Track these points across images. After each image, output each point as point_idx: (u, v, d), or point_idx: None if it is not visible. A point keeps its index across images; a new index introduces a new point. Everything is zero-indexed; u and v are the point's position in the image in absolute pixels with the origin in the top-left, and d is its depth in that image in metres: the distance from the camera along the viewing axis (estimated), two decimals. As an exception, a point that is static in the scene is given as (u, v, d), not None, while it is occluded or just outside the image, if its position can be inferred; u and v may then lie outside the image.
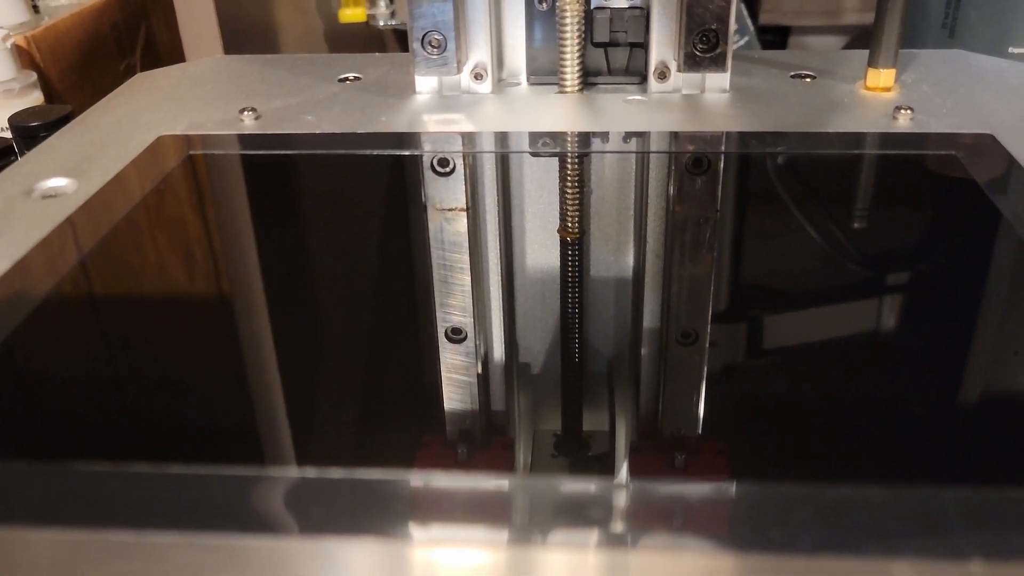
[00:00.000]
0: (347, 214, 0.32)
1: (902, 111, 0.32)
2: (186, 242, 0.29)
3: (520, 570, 0.16)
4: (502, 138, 0.33)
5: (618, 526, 0.17)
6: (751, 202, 0.32)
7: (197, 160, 0.31)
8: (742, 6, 0.52)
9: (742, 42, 0.50)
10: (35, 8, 0.62)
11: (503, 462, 0.21)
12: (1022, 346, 0.23)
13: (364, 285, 0.28)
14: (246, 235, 0.30)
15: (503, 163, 0.33)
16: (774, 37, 0.84)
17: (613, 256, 0.30)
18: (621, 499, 0.17)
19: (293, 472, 0.19)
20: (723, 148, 0.32)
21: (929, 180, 0.30)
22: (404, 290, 0.28)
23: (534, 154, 0.33)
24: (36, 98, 0.57)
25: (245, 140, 0.32)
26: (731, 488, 0.17)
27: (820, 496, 0.16)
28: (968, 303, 0.25)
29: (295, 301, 0.27)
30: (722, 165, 0.32)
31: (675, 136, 0.32)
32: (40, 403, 0.22)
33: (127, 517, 0.16)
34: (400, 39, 0.72)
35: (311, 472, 0.19)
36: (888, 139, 0.31)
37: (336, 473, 0.18)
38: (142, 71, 0.70)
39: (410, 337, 0.26)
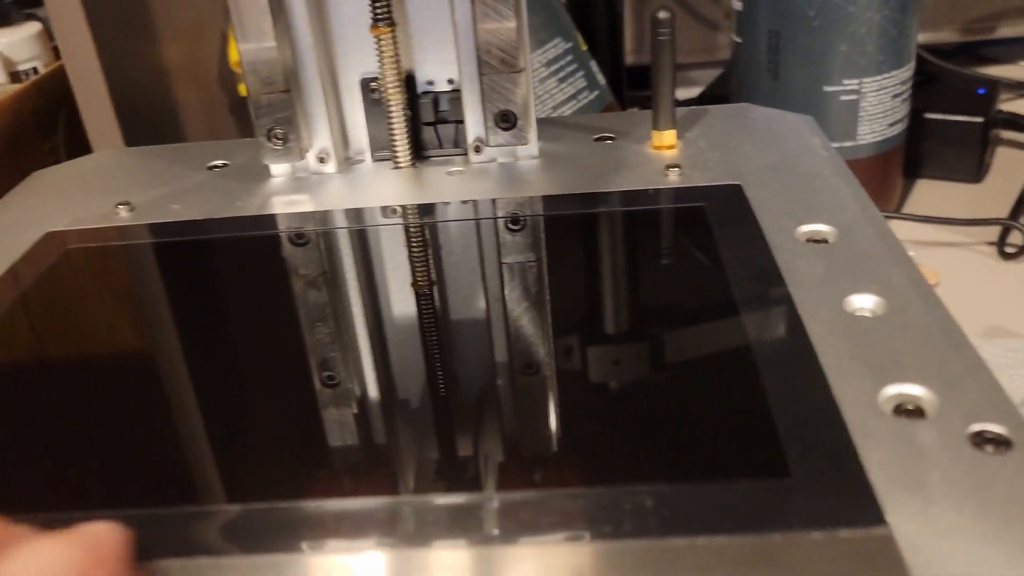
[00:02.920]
0: (215, 291, 0.37)
1: (672, 169, 0.37)
2: (69, 328, 0.34)
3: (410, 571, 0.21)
4: (343, 213, 0.38)
5: (493, 529, 0.22)
6: (562, 253, 0.37)
7: (76, 253, 0.37)
8: (591, 61, 0.58)
9: (592, 96, 0.56)
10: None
11: (385, 485, 0.25)
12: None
13: (242, 351, 0.33)
14: (126, 318, 0.35)
15: (349, 234, 0.38)
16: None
17: (461, 302, 0.35)
18: (493, 506, 0.23)
19: (208, 505, 0.24)
20: (531, 211, 0.38)
21: (680, 228, 0.35)
22: (279, 348, 0.33)
23: (371, 226, 0.38)
24: (-38, 186, 0.62)
25: (118, 232, 0.38)
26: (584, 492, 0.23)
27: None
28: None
29: (183, 371, 0.32)
30: (532, 224, 0.37)
31: (493, 202, 0.38)
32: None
33: None
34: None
35: (221, 506, 0.24)
36: (656, 194, 0.36)
37: (236, 505, 0.23)
38: (66, 152, 0.75)
39: (289, 387, 0.30)
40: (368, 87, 0.41)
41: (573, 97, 0.56)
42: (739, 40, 0.58)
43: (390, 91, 0.39)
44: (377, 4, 0.37)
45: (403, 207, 0.38)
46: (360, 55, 0.40)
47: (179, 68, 0.62)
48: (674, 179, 0.37)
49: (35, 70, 0.76)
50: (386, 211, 0.38)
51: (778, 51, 0.55)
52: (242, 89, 0.67)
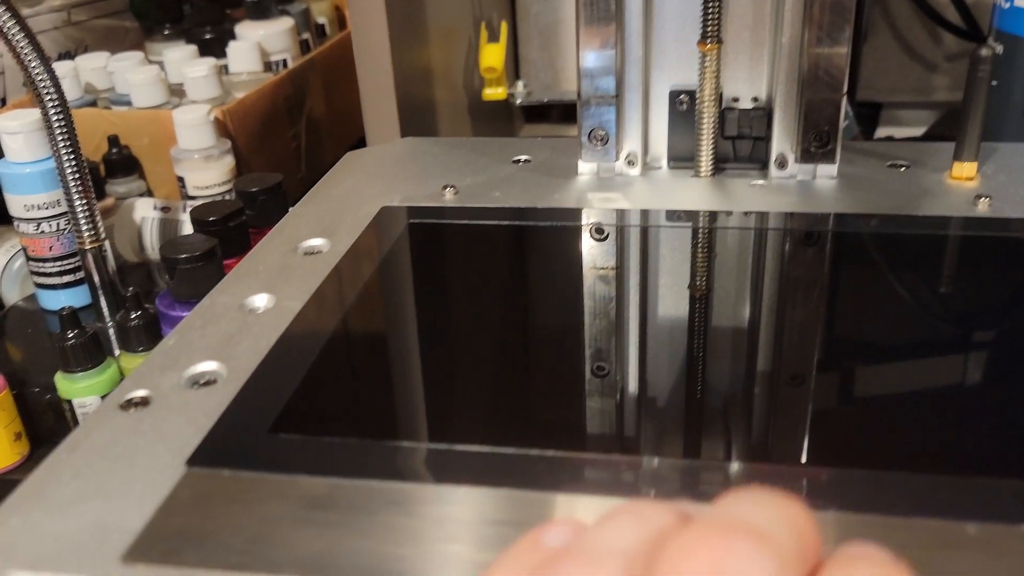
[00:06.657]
0: (526, 271, 0.41)
1: (981, 199, 0.39)
2: (419, 290, 0.38)
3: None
4: (651, 214, 0.41)
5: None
6: (851, 270, 0.39)
7: (418, 227, 0.40)
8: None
9: (844, 124, 0.58)
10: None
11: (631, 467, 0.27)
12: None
13: (532, 327, 0.37)
14: (460, 286, 0.39)
15: (647, 233, 0.41)
16: (868, 111, 0.91)
17: (732, 310, 0.37)
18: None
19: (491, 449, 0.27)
20: (830, 227, 0.40)
21: (1002, 257, 0.37)
22: (560, 332, 0.36)
23: (676, 227, 0.41)
24: (229, 162, 0.68)
25: (452, 212, 0.41)
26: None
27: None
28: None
29: (486, 334, 0.36)
30: (829, 240, 0.39)
31: (791, 215, 0.40)
32: (343, 397, 0.31)
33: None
34: (526, 114, 0.82)
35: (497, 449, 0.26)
36: (969, 222, 0.38)
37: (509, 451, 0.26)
38: (305, 139, 0.81)
39: (563, 371, 0.33)
40: (676, 99, 0.44)
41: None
42: (994, 83, 0.59)
43: (706, 104, 0.42)
44: (709, 22, 0.40)
45: (714, 213, 0.41)
46: (672, 68, 0.43)
47: (438, 70, 0.66)
48: (984, 209, 0.39)
49: (284, 62, 0.82)
50: (701, 216, 0.41)
51: (1040, 97, 0.56)
52: (487, 94, 0.71)
